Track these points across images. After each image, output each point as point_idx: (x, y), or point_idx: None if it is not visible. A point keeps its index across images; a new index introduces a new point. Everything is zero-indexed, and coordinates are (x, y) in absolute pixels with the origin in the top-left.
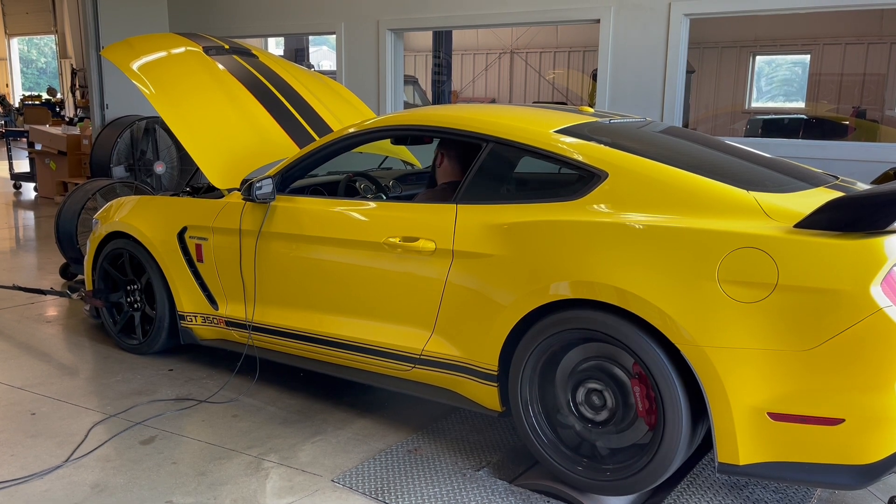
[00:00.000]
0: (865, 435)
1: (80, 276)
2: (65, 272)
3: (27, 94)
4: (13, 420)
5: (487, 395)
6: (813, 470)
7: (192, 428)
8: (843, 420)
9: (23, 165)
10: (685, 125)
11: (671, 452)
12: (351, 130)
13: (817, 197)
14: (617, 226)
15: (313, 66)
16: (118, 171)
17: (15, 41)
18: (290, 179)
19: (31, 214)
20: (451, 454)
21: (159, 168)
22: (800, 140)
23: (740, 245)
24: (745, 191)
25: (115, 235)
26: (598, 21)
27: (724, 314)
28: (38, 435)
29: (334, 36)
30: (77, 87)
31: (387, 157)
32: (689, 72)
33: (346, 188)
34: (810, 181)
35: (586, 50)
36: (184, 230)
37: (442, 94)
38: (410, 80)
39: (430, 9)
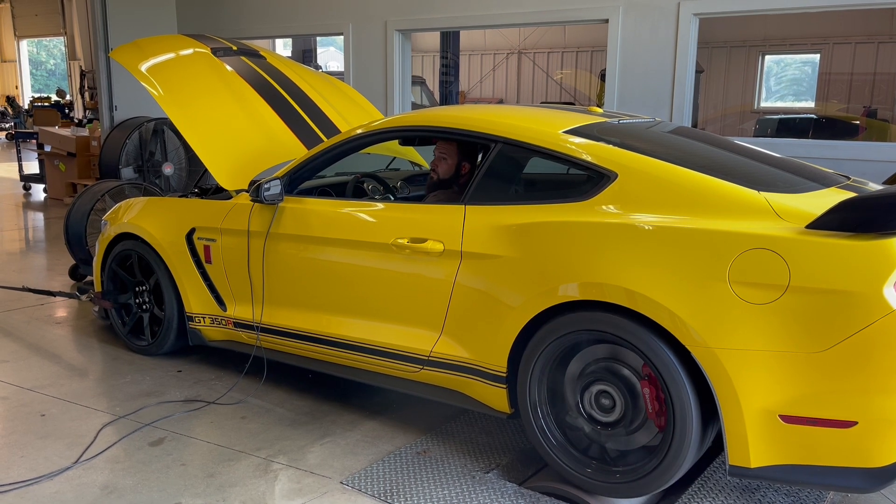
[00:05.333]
0: (878, 438)
1: (89, 278)
2: (74, 273)
3: (36, 95)
4: (23, 421)
5: (496, 397)
6: (825, 473)
7: (200, 429)
8: (856, 423)
9: (32, 167)
10: (694, 125)
11: (681, 454)
12: (359, 131)
13: (829, 197)
14: (626, 227)
15: (321, 67)
16: (127, 173)
17: (24, 43)
18: (299, 181)
19: (40, 216)
20: (460, 456)
21: (168, 169)
22: (810, 140)
23: (751, 246)
24: (755, 191)
25: (124, 237)
26: (606, 21)
27: (735, 316)
28: (47, 436)
29: (342, 37)
30: (86, 88)
31: (395, 157)
32: (699, 71)
33: (354, 189)
34: (821, 181)
35: (594, 50)
36: (192, 231)
37: (449, 94)
38: (418, 81)
39: (438, 9)
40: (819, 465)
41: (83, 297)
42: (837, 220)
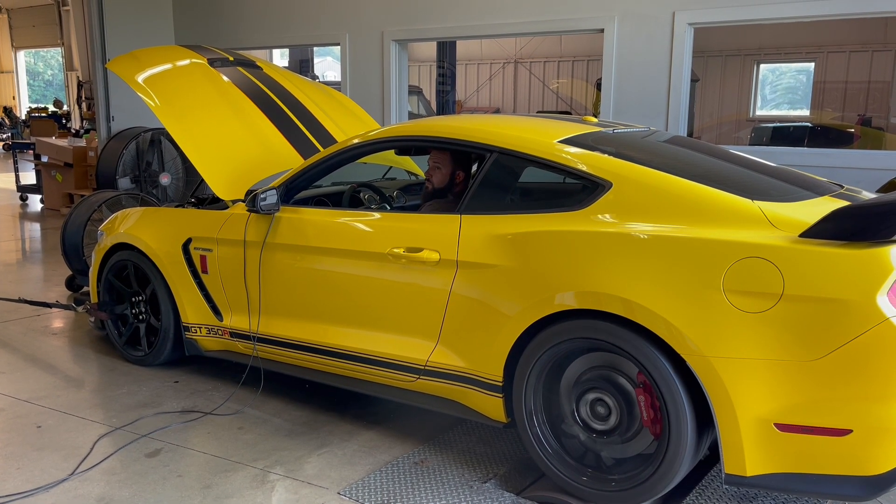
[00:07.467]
0: (873, 445)
1: (85, 288)
2: (71, 284)
3: (34, 106)
4: (19, 433)
5: (492, 406)
6: (821, 481)
7: (197, 440)
8: (851, 431)
9: (29, 177)
10: (689, 134)
11: (676, 462)
12: (355, 141)
13: (822, 206)
14: (621, 236)
15: (318, 77)
16: (124, 183)
17: (22, 54)
18: (295, 190)
19: (37, 226)
20: (457, 466)
21: (165, 179)
22: (805, 148)
23: (745, 255)
24: (749, 200)
25: (120, 247)
26: (602, 31)
27: (730, 324)
28: (43, 448)
29: (339, 47)
30: (83, 99)
31: (391, 167)
32: (694, 80)
33: (350, 199)
34: (815, 190)
35: (590, 59)
36: (188, 241)
37: (446, 104)
38: (415, 91)
39: (435, 19)
40: (815, 473)
41: (79, 309)
42: (831, 229)
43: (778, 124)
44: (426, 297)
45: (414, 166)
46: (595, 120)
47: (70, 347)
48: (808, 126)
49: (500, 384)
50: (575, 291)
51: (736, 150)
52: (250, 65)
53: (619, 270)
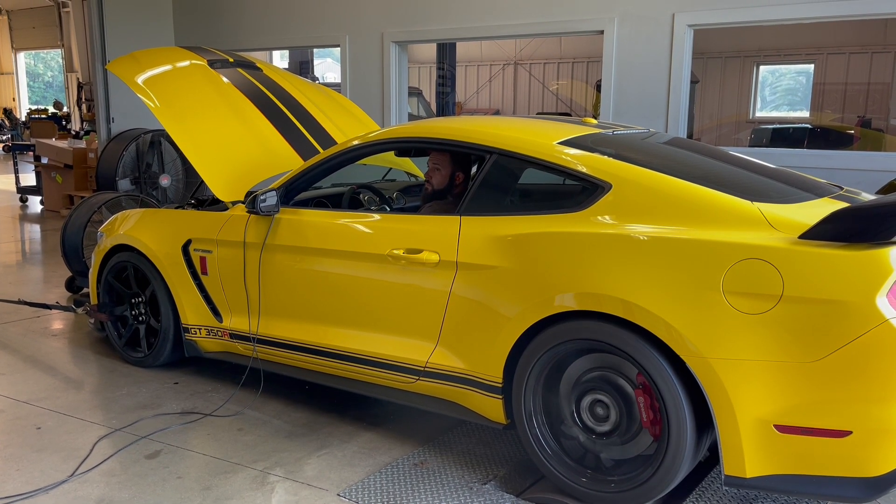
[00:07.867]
0: (873, 447)
1: (85, 290)
2: (71, 285)
3: (34, 107)
4: (19, 434)
5: (492, 408)
6: (820, 482)
7: (197, 442)
8: (850, 432)
9: (29, 179)
10: (689, 135)
11: (676, 463)
12: (355, 143)
13: (822, 208)
14: (621, 237)
15: (318, 79)
16: (124, 184)
17: (22, 55)
18: (295, 192)
19: (37, 228)
20: (457, 467)
21: (164, 181)
22: (805, 150)
23: (745, 256)
24: (749, 202)
25: (120, 248)
26: (601, 32)
27: (730, 326)
28: (43, 449)
29: (339, 48)
30: (83, 100)
31: (390, 168)
32: (693, 82)
33: (349, 200)
34: (815, 192)
35: (590, 61)
36: (188, 243)
37: (446, 105)
38: (415, 92)
39: (435, 21)
40: (815, 474)
41: (79, 310)
42: (830, 231)
43: (778, 126)
44: (426, 298)
45: (414, 168)
46: (595, 121)
47: (70, 349)
48: (807, 127)
49: (500, 385)
50: (575, 293)
51: (735, 152)
52: (250, 66)
53: (619, 272)
